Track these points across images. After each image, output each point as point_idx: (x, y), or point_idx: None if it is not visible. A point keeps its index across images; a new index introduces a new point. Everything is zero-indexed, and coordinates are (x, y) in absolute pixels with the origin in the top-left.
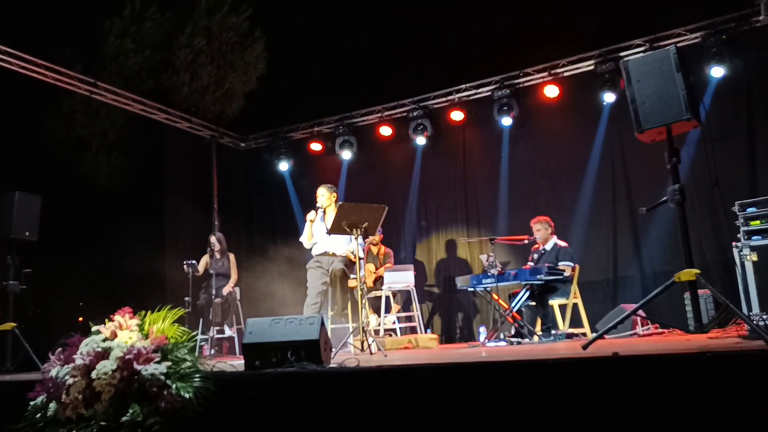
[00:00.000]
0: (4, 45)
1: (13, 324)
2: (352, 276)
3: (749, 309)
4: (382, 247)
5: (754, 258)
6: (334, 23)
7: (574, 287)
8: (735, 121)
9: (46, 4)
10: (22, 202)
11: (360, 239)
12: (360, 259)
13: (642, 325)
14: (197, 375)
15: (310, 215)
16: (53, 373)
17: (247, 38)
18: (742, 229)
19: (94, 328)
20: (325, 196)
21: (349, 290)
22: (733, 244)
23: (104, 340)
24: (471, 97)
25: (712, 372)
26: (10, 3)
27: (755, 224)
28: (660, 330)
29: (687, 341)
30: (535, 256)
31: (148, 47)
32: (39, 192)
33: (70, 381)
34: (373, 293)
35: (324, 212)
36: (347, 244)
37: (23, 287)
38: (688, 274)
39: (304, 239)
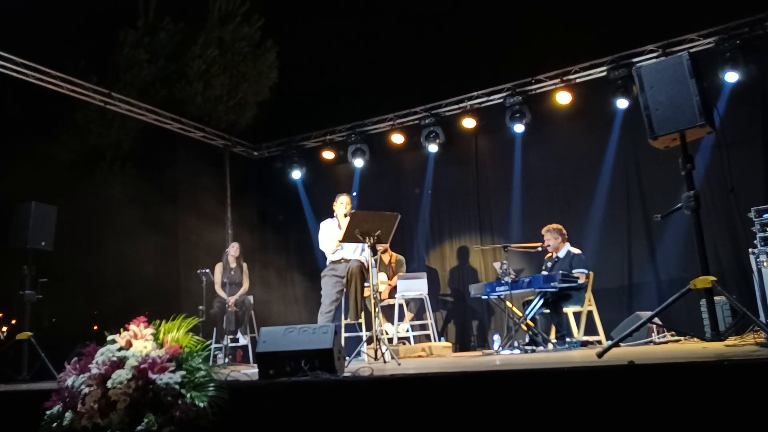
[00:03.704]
0: (20, 57)
1: (30, 333)
2: (365, 284)
3: (767, 316)
4: (393, 255)
5: None
6: (345, 32)
7: (589, 294)
8: (750, 126)
9: (61, 16)
10: (38, 212)
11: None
12: (372, 267)
13: (658, 333)
14: (211, 384)
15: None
16: (69, 382)
17: (260, 48)
18: (759, 235)
19: (109, 338)
20: (344, 204)
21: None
22: (750, 250)
23: (119, 349)
24: (483, 104)
25: (729, 381)
26: (26, 16)
27: None
28: (676, 338)
29: (704, 349)
30: (549, 264)
31: (161, 58)
32: (55, 202)
33: (86, 390)
34: (387, 301)
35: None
36: (362, 253)
37: (39, 297)
38: (704, 281)
39: (334, 243)
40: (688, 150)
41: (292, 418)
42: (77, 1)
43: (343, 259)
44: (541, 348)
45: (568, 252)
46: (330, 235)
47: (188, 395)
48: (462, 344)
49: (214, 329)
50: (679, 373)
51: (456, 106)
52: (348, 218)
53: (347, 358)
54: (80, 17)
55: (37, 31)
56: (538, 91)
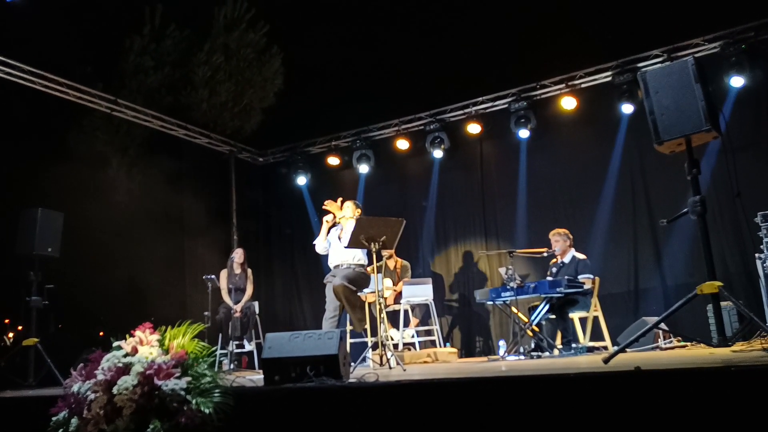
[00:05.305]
0: (27, 65)
1: (36, 339)
2: (366, 291)
3: None
4: (398, 261)
5: None
6: (350, 38)
7: (595, 300)
8: (756, 130)
9: (68, 23)
10: (44, 219)
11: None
12: (377, 273)
13: (664, 338)
14: (217, 390)
15: (328, 217)
16: (75, 388)
17: (265, 54)
18: (765, 240)
19: (115, 344)
20: (350, 208)
21: (365, 304)
22: (756, 255)
23: (125, 355)
24: (488, 110)
25: (736, 387)
26: (32, 24)
27: None
28: (683, 343)
29: (710, 355)
30: (554, 269)
31: (167, 64)
32: (61, 208)
33: (92, 396)
34: (392, 307)
35: (340, 223)
36: (363, 256)
37: (46, 303)
38: (710, 286)
39: (319, 242)
40: (694, 155)
41: (297, 424)
42: (83, 9)
43: (342, 263)
44: (547, 354)
45: (574, 257)
46: (322, 233)
47: (194, 401)
48: (467, 350)
49: (220, 335)
50: (686, 379)
51: (461, 112)
52: (340, 222)
53: (352, 363)
54: (86, 24)
55: (44, 38)
56: (543, 96)
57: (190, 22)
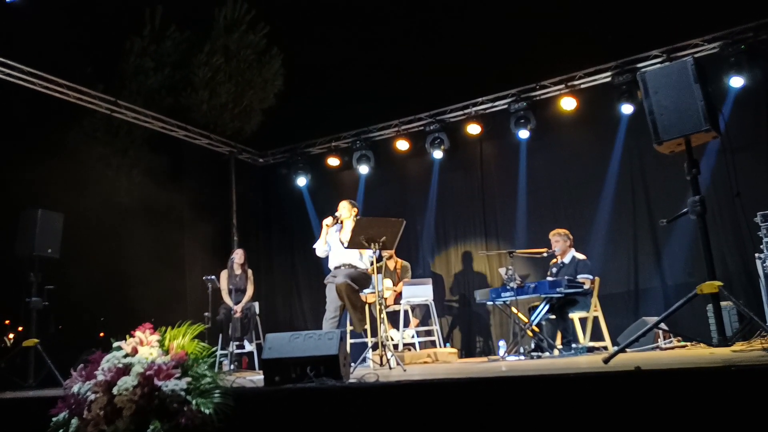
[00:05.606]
0: (28, 66)
1: (36, 340)
2: (366, 291)
3: None
4: (398, 261)
5: None
6: (350, 38)
7: (595, 300)
8: (755, 130)
9: (68, 25)
10: (44, 220)
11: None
12: (377, 273)
13: (664, 338)
14: (217, 391)
15: (327, 220)
16: (75, 389)
17: (265, 55)
18: (765, 240)
19: (115, 344)
20: (345, 208)
21: (366, 304)
22: (756, 255)
23: (125, 356)
24: (488, 110)
25: (736, 386)
26: (33, 25)
27: None
28: (683, 343)
29: (710, 355)
30: (554, 269)
31: (167, 66)
32: (61, 209)
33: (92, 397)
34: (392, 308)
35: (341, 224)
36: (363, 257)
37: (46, 303)
38: (710, 286)
39: (319, 245)
40: (694, 155)
41: (297, 424)
42: (84, 10)
43: (342, 264)
44: (547, 354)
45: (573, 257)
46: (322, 236)
47: (194, 402)
48: (467, 350)
49: (220, 336)
50: (686, 379)
51: (461, 112)
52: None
53: (353, 364)
54: (87, 25)
55: (44, 38)
56: (542, 96)
57: (190, 23)
